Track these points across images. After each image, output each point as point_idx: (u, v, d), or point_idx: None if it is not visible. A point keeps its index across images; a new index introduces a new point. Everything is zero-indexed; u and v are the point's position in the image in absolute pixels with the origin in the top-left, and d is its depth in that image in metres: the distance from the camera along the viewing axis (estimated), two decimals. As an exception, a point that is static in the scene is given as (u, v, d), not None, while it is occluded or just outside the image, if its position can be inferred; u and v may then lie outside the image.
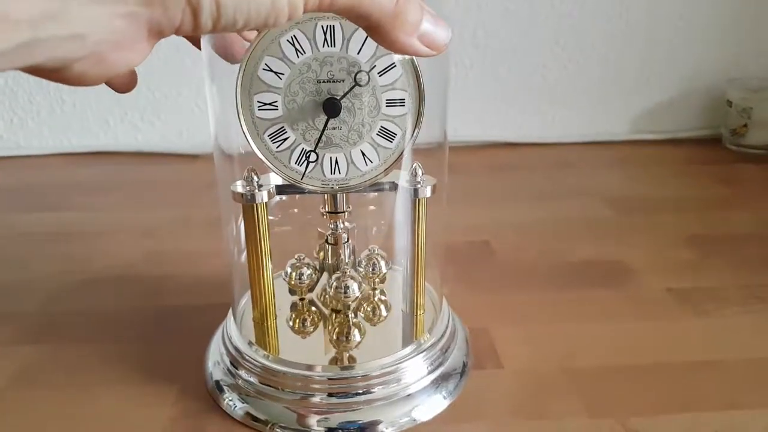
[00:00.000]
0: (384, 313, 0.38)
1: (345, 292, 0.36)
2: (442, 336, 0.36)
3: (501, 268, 0.49)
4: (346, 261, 0.38)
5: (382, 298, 0.39)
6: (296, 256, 0.39)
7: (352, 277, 0.36)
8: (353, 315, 0.37)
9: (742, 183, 0.67)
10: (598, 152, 0.77)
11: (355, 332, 0.36)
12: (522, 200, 0.62)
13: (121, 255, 0.52)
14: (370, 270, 0.37)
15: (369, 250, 0.37)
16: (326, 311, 0.38)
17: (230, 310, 0.38)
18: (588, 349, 0.39)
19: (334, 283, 0.36)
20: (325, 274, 0.38)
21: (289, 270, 0.38)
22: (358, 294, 0.36)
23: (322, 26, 0.30)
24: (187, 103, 0.75)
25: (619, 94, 0.78)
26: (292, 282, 0.38)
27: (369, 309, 0.38)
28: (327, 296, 0.37)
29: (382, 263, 0.37)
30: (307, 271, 0.38)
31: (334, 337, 0.36)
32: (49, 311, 0.44)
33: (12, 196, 0.65)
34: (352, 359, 0.35)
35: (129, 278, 0.48)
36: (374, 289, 0.38)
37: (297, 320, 0.38)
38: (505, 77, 0.76)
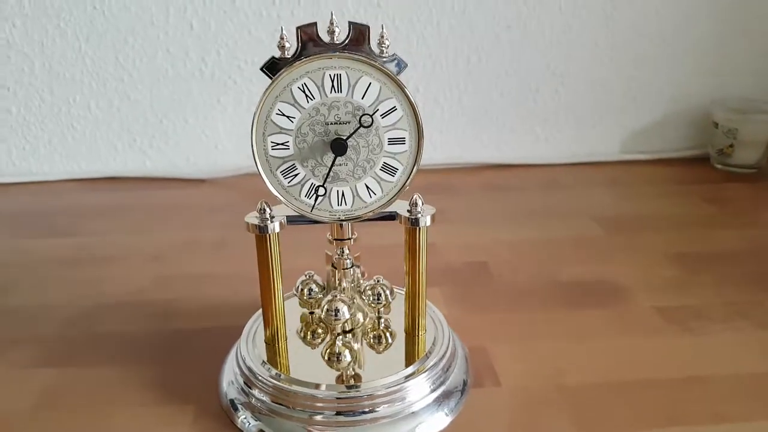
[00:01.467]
0: (389, 340, 0.40)
1: (335, 315, 0.38)
2: (444, 356, 0.38)
3: (498, 289, 0.51)
4: (350, 285, 0.40)
5: (387, 326, 0.41)
6: (306, 274, 0.41)
7: (343, 301, 0.38)
8: (350, 338, 0.39)
9: (728, 202, 0.69)
10: (589, 172, 0.80)
11: (346, 353, 0.38)
12: (517, 220, 0.65)
13: (132, 279, 0.54)
14: (375, 300, 0.39)
15: (374, 280, 0.40)
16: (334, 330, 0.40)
17: (243, 331, 0.41)
18: (579, 367, 0.41)
19: (326, 306, 0.38)
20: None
21: (299, 286, 0.40)
22: (347, 317, 0.38)
23: (330, 74, 0.32)
24: (193, 130, 0.77)
25: (609, 115, 0.81)
26: (303, 297, 0.40)
27: (373, 336, 0.40)
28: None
29: (387, 293, 0.40)
30: (314, 288, 0.40)
31: (326, 357, 0.38)
32: (67, 335, 0.46)
33: (26, 222, 0.67)
34: (358, 378, 0.37)
35: (141, 302, 0.50)
36: (379, 317, 0.41)
37: (306, 333, 0.40)
38: (498, 100, 0.79)
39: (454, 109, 0.78)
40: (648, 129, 0.82)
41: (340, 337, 0.39)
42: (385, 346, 0.39)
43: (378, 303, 0.39)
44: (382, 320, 0.41)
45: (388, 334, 0.40)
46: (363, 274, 0.40)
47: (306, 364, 0.38)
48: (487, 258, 0.56)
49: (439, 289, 0.51)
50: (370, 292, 0.40)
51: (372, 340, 0.40)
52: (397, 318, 0.41)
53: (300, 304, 0.42)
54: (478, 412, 0.37)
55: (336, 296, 0.38)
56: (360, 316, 0.40)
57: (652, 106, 0.81)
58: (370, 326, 0.41)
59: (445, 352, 0.39)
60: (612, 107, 0.81)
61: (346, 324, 0.39)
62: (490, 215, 0.66)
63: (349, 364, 0.37)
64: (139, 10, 0.71)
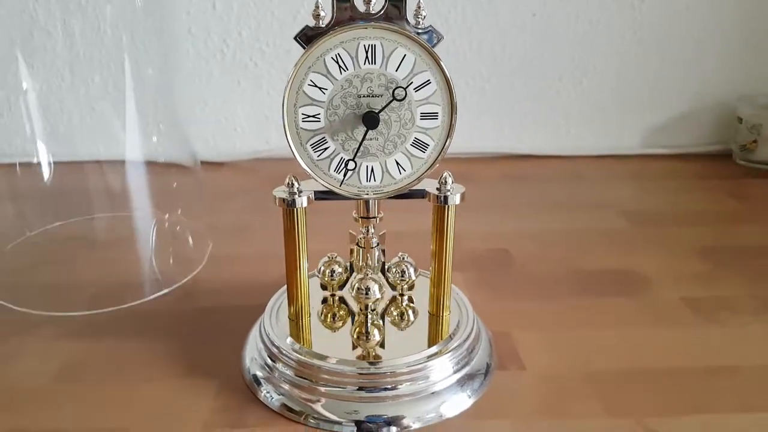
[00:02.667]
0: (411, 318, 0.39)
1: (366, 294, 0.38)
2: (468, 337, 0.38)
3: (520, 276, 0.51)
4: (375, 264, 0.40)
5: (411, 304, 0.40)
6: (329, 255, 0.41)
7: (374, 279, 0.38)
8: (376, 316, 0.39)
9: (752, 198, 0.68)
10: (610, 165, 0.79)
11: (375, 332, 0.38)
12: (538, 211, 0.64)
13: (156, 259, 0.54)
14: (399, 276, 0.39)
15: (398, 257, 0.39)
16: (355, 309, 0.40)
17: (266, 308, 0.40)
18: (607, 353, 0.40)
19: (356, 285, 0.38)
20: (355, 274, 0.40)
21: (321, 267, 0.40)
22: (378, 296, 0.38)
23: (364, 45, 0.32)
24: (212, 112, 0.77)
25: (632, 109, 0.80)
26: (325, 279, 0.40)
27: (396, 314, 0.40)
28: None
29: (411, 270, 0.39)
30: (338, 269, 0.40)
31: (355, 336, 0.38)
32: (93, 311, 0.46)
33: (52, 202, 0.68)
34: (379, 356, 0.37)
35: (165, 281, 0.50)
36: (402, 294, 0.40)
37: (327, 315, 0.40)
38: (521, 90, 0.78)
39: (476, 98, 0.77)
40: (671, 124, 0.81)
41: (370, 316, 0.39)
42: (408, 324, 0.39)
43: (402, 280, 0.39)
44: (405, 297, 0.40)
45: (411, 312, 0.40)
46: (416, 269, 0.40)
47: (329, 339, 0.38)
48: (509, 246, 0.56)
49: (461, 274, 0.50)
50: (394, 269, 0.39)
51: (396, 318, 0.39)
52: (420, 298, 0.41)
53: (321, 286, 0.41)
54: (502, 394, 0.37)
55: (367, 274, 0.38)
56: (387, 291, 0.40)
57: (676, 101, 0.80)
58: (393, 305, 0.40)
59: (470, 334, 0.38)
60: (636, 101, 0.80)
61: (377, 303, 0.39)
62: (511, 205, 0.66)
63: (377, 343, 0.37)
64: (163, -10, 0.71)
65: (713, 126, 0.81)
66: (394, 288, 0.40)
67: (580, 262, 0.53)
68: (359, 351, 0.37)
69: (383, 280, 0.40)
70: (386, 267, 0.40)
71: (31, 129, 0.73)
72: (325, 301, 0.41)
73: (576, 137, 0.81)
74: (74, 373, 0.39)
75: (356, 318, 0.39)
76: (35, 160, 0.76)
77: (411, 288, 0.41)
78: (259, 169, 0.76)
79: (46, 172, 0.74)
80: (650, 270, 0.52)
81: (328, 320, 0.40)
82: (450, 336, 0.38)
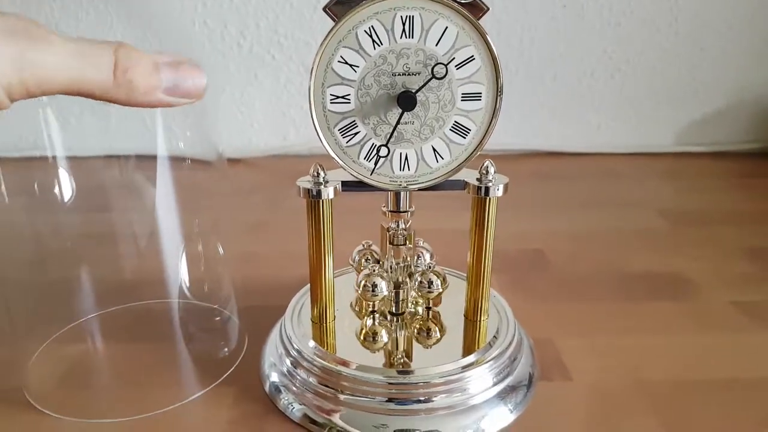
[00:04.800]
0: (437, 335, 0.35)
1: (372, 291, 0.34)
2: (510, 345, 0.34)
3: (557, 278, 0.47)
4: (401, 265, 0.36)
5: (436, 318, 0.37)
6: (363, 243, 0.38)
7: (381, 276, 0.34)
8: (426, 314, 0.36)
9: (798, 198, 0.64)
10: (643, 163, 0.75)
11: (383, 333, 0.35)
12: (572, 209, 0.61)
13: (168, 258, 0.51)
14: (426, 287, 0.35)
15: (426, 265, 0.36)
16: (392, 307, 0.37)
17: (287, 310, 0.37)
18: (658, 363, 0.37)
19: (362, 281, 0.34)
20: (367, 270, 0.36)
21: (356, 256, 0.37)
22: (385, 293, 0.34)
23: (401, 17, 0.29)
24: (228, 107, 0.75)
25: (666, 104, 0.76)
26: (360, 268, 0.37)
27: (422, 329, 0.35)
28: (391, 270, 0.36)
29: (438, 282, 0.35)
30: (372, 259, 0.37)
31: (415, 333, 0.35)
32: (102, 310, 0.43)
33: (61, 197, 0.65)
34: (409, 364, 0.33)
35: (177, 281, 0.47)
36: (428, 308, 0.37)
37: (364, 331, 0.36)
38: (551, 84, 0.74)
39: (504, 92, 0.74)
40: (707, 120, 0.77)
41: (386, 321, 0.36)
42: (435, 342, 0.35)
43: (429, 292, 0.35)
44: (431, 310, 0.37)
45: (436, 329, 0.36)
46: (432, 256, 0.37)
47: (357, 346, 0.34)
48: (542, 246, 0.52)
49: (493, 276, 0.46)
50: (419, 278, 0.35)
51: (426, 323, 0.36)
52: (454, 300, 0.37)
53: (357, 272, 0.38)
54: (548, 408, 0.33)
55: (374, 270, 0.35)
56: (412, 302, 0.37)
57: (713, 96, 0.76)
58: (421, 312, 0.37)
59: (511, 341, 0.35)
60: (671, 96, 0.76)
61: (397, 305, 0.36)
62: (542, 203, 0.62)
63: (384, 345, 0.34)
64: (179, -21, 0.68)
65: (751, 123, 0.77)
66: (420, 298, 0.37)
67: (619, 263, 0.49)
68: (390, 357, 0.34)
69: (409, 283, 0.36)
70: (412, 271, 0.36)
71: (45, 121, 0.71)
72: (357, 308, 0.38)
73: (607, 133, 0.77)
74: (79, 378, 0.36)
75: (372, 318, 0.36)
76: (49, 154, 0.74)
77: (436, 304, 0.37)
78: (275, 167, 0.73)
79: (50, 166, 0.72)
80: (696, 273, 0.48)
81: (365, 336, 0.35)
82: (489, 343, 0.34)
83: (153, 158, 0.49)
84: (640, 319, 0.41)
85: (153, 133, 0.48)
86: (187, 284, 0.43)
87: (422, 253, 0.37)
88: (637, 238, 0.54)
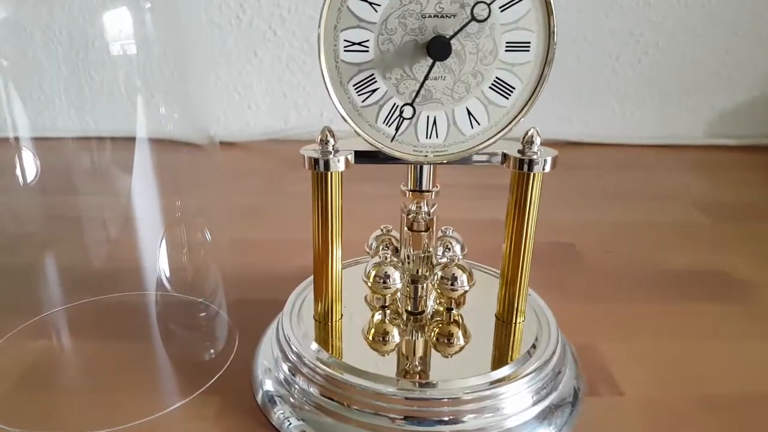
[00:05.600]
0: (461, 342, 0.30)
1: (384, 282, 0.29)
2: (552, 355, 0.29)
3: (592, 274, 0.42)
4: (421, 255, 0.31)
5: (460, 322, 0.31)
6: (383, 227, 0.32)
7: (393, 265, 0.29)
8: (448, 317, 0.30)
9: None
10: (671, 155, 0.70)
11: (394, 332, 0.29)
12: (601, 201, 0.55)
13: (146, 244, 0.45)
14: (448, 284, 0.29)
15: (448, 258, 0.30)
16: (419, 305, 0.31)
17: (286, 305, 0.32)
18: (719, 374, 0.31)
19: (372, 271, 0.29)
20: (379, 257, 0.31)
21: (372, 243, 0.31)
22: (399, 285, 0.29)
23: (435, -57, 0.23)
24: (225, 87, 0.69)
25: (696, 92, 0.71)
26: (380, 257, 0.31)
27: (442, 335, 0.30)
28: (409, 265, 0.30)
29: (464, 278, 0.29)
30: (393, 245, 0.32)
31: (434, 339, 0.29)
32: (73, 301, 0.37)
33: (39, 178, 0.60)
34: (429, 376, 0.28)
35: (155, 270, 0.42)
36: (449, 309, 0.31)
37: (375, 332, 0.30)
38: (573, 68, 0.69)
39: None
40: (738, 111, 0.72)
41: (398, 320, 0.30)
42: (457, 350, 0.29)
43: (452, 290, 0.29)
44: (453, 312, 0.31)
45: (459, 334, 0.30)
46: (463, 248, 0.31)
47: (369, 351, 0.29)
48: (574, 240, 0.46)
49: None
50: (440, 273, 0.29)
51: (448, 326, 0.30)
52: (482, 300, 0.32)
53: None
54: (598, 429, 0.28)
55: (386, 258, 0.29)
56: (431, 299, 0.31)
57: (746, 84, 0.71)
58: (443, 312, 0.31)
59: (554, 350, 0.29)
60: (701, 84, 0.70)
61: (415, 302, 0.30)
62: (569, 195, 0.57)
63: (396, 346, 0.29)
64: (172, -56, 0.63)
65: (785, 115, 0.72)
66: (441, 297, 0.31)
67: (659, 259, 0.44)
68: (408, 367, 0.28)
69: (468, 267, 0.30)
70: (433, 263, 0.31)
71: (7, 99, 0.65)
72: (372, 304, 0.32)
73: (632, 123, 0.72)
74: (41, 379, 0.30)
75: (419, 312, 0.30)
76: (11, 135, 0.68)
77: (459, 304, 0.31)
78: (274, 151, 0.67)
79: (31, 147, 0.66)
80: (746, 271, 0.43)
81: (375, 337, 0.30)
82: (528, 353, 0.29)
83: (130, 139, 0.43)
84: (688, 322, 0.36)
85: (131, 112, 0.42)
86: (168, 274, 0.37)
87: (451, 243, 0.31)
88: (675, 232, 0.49)
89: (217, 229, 0.46)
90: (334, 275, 0.29)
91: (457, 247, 0.32)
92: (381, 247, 0.31)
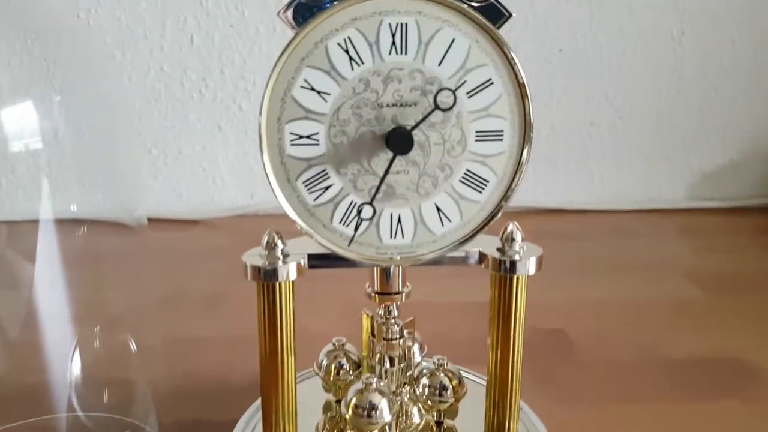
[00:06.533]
0: None
1: (369, 415, 0.24)
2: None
3: (588, 367, 0.38)
4: (398, 367, 0.26)
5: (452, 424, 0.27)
6: (334, 341, 0.28)
7: (381, 391, 0.24)
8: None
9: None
10: (655, 220, 0.67)
11: None
12: (588, 275, 0.52)
13: (65, 351, 0.40)
14: (435, 395, 0.25)
15: (434, 363, 0.26)
16: None
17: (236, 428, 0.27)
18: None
19: (353, 399, 0.24)
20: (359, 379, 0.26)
21: (324, 361, 0.27)
22: (388, 418, 0.24)
23: (390, 25, 0.20)
24: (188, 162, 0.66)
25: (675, 154, 0.69)
26: (331, 378, 0.27)
27: None
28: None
29: (452, 386, 0.25)
30: (346, 364, 0.27)
31: None
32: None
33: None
34: None
35: (66, 388, 0.36)
36: (439, 422, 0.27)
37: None
38: (548, 134, 0.67)
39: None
40: (719, 172, 0.71)
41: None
42: None
43: (441, 401, 0.25)
44: (444, 426, 0.26)
45: None
46: (422, 348, 0.27)
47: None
48: (564, 324, 0.42)
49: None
50: (427, 382, 0.25)
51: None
52: (469, 415, 0.27)
53: (324, 388, 0.28)
54: None
55: (370, 383, 0.24)
56: (415, 414, 0.26)
57: (725, 145, 0.70)
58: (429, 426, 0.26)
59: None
60: (680, 146, 0.69)
61: (387, 428, 0.25)
62: (552, 269, 0.52)
63: None
64: (131, 20, 0.61)
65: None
66: (428, 410, 0.26)
67: (660, 346, 0.40)
68: None
69: (408, 394, 0.26)
70: (415, 375, 0.26)
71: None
72: (329, 410, 0.28)
73: (611, 188, 0.70)
74: None
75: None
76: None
77: (453, 416, 0.27)
78: (240, 228, 0.63)
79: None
80: (757, 356, 0.39)
81: None
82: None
83: (33, 222, 0.38)
84: (706, 425, 0.32)
85: (35, 191, 0.37)
86: (82, 392, 0.31)
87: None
88: (671, 310, 0.45)
89: (149, 330, 0.41)
90: (287, 394, 0.25)
91: (416, 347, 0.27)
92: (333, 366, 0.27)
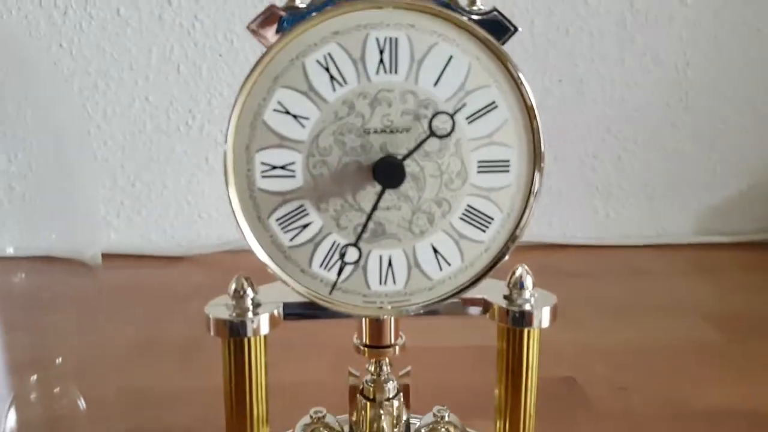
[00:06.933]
0: None
1: None
2: None
3: (603, 422, 0.34)
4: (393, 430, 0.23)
5: None
6: (312, 413, 0.24)
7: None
8: None
9: None
10: (661, 256, 0.64)
11: None
12: (599, 317, 0.48)
13: (49, 398, 0.36)
14: None
15: (435, 416, 0.23)
16: None
17: None
18: None
19: None
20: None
21: None
22: None
23: (378, 39, 0.18)
24: (173, 196, 0.63)
25: (681, 188, 0.67)
26: None
27: None
28: None
29: None
30: None
31: None
32: None
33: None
34: None
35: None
36: None
37: None
38: (550, 168, 0.64)
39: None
40: (727, 205, 0.68)
41: None
42: None
43: None
44: None
45: None
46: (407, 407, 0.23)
47: None
48: (574, 372, 0.39)
49: None
50: None
51: None
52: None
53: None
54: None
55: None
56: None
57: (732, 179, 0.67)
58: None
59: None
60: (686, 179, 0.67)
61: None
62: (560, 308, 0.50)
63: None
64: (116, 50, 0.59)
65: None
66: None
67: (680, 396, 0.37)
68: None
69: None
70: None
71: None
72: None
73: (616, 222, 0.67)
74: None
75: None
76: None
77: None
78: (226, 264, 0.60)
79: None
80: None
81: None
82: None
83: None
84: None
85: None
86: None
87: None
88: (690, 356, 0.42)
89: (105, 382, 0.37)
90: (262, 473, 0.21)
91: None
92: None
